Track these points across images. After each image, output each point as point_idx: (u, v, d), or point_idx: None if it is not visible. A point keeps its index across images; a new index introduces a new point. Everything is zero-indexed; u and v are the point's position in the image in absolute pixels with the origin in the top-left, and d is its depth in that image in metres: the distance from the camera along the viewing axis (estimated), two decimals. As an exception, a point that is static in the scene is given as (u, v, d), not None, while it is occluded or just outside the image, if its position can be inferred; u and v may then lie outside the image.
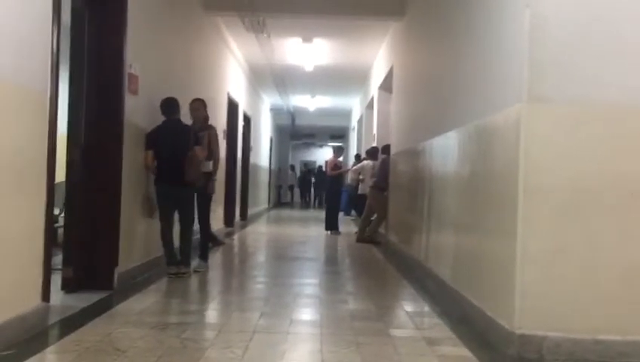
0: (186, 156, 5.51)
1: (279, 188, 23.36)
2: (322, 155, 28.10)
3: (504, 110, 3.60)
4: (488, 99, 3.96)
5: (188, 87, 7.07)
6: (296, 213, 18.75)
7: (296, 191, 24.05)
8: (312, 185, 23.04)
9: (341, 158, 12.04)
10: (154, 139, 5.47)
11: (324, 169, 24.43)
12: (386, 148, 9.20)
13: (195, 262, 6.08)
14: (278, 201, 23.04)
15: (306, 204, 22.55)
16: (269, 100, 17.79)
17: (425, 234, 5.96)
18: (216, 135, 6.19)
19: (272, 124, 20.55)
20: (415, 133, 6.87)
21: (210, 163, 6.05)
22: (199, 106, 6.05)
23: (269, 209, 19.04)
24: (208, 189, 6.01)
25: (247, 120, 12.98)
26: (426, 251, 5.87)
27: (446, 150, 5.12)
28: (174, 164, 5.49)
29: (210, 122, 6.27)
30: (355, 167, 11.23)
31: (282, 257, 7.59)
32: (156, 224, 5.61)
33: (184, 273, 5.56)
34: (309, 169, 23.56)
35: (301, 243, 9.36)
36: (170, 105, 5.59)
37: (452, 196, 4.89)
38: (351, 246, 9.10)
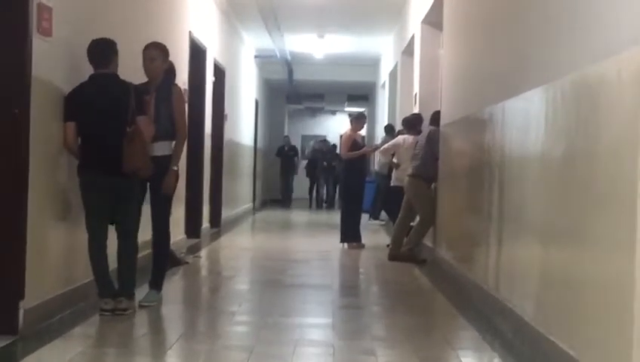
0: (125, 130, 5.51)
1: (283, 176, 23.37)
2: (336, 127, 28.11)
3: (617, 56, 3.58)
4: (592, 39, 3.93)
5: (128, 25, 7.07)
6: (297, 215, 18.78)
7: (298, 180, 23.98)
8: (316, 172, 22.85)
9: (363, 132, 12.02)
10: (76, 105, 5.47)
11: (337, 149, 24.23)
12: (436, 117, 9.19)
13: (141, 293, 6.11)
14: (286, 196, 23.05)
15: (287, 200, 22.48)
16: (253, 43, 17.76)
17: (494, 248, 5.96)
18: (180, 99, 6.15)
19: (259, 79, 20.54)
20: (478, 93, 6.84)
21: (167, 144, 6.04)
22: (155, 55, 6.02)
23: (254, 210, 19.10)
24: (165, 185, 5.99)
25: (219, 74, 12.98)
26: (496, 274, 5.87)
27: (526, 118, 5.11)
28: (108, 142, 5.49)
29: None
30: (386, 146, 11.20)
31: (275, 284, 7.61)
32: (82, 235, 5.63)
33: (125, 309, 5.58)
34: (286, 148, 23.05)
35: (304, 263, 9.38)
36: (102, 51, 5.58)
37: (536, 189, 4.87)
38: (381, 267, 9.10)
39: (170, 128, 5.97)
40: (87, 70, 5.60)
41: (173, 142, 6.06)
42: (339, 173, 21.88)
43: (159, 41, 6.32)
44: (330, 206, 21.92)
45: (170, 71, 6.13)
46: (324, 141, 23.95)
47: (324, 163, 22.37)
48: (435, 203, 9.11)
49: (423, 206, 9.26)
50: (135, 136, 5.53)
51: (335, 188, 22.48)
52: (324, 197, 22.65)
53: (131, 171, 5.54)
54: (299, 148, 26.65)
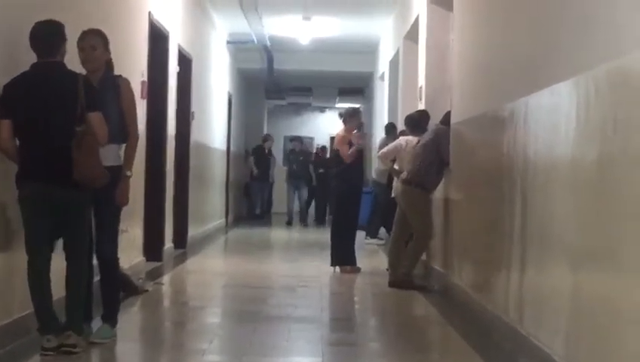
0: (75, 133, 5.50)
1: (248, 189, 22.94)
2: (325, 127, 28.10)
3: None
4: (635, 21, 3.95)
5: (74, 6, 7.07)
6: (279, 233, 18.74)
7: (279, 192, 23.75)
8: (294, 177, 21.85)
9: (358, 131, 11.91)
10: (13, 99, 5.47)
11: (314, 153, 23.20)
12: (448, 118, 9.20)
13: (92, 327, 6.09)
14: (250, 212, 22.52)
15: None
16: (225, 27, 17.75)
17: (516, 272, 5.97)
18: (130, 92, 6.20)
19: (233, 69, 20.53)
20: (497, 86, 6.85)
21: (116, 149, 6.06)
22: (96, 43, 6.05)
23: (227, 227, 19.09)
24: (118, 196, 6.03)
25: (185, 63, 12.97)
26: (519, 303, 5.88)
27: (554, 116, 5.12)
28: (54, 144, 5.49)
29: (116, 70, 6.27)
30: (385, 149, 11.21)
31: (253, 316, 7.59)
32: (20, 259, 5.61)
33: (72, 346, 5.55)
34: (267, 149, 22.02)
35: (287, 291, 9.38)
36: (48, 36, 5.58)
37: (565, 201, 4.89)
38: (380, 295, 9.11)
39: (118, 129, 5.98)
40: (25, 59, 5.59)
41: (123, 147, 6.08)
42: (317, 183, 21.62)
43: (113, 24, 6.32)
44: (302, 222, 21.15)
45: (110, 63, 6.15)
46: (297, 140, 23.15)
47: (294, 167, 21.49)
48: (429, 213, 9.14)
49: (421, 219, 9.23)
50: (86, 139, 5.52)
51: (309, 201, 21.84)
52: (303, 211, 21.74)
53: (86, 181, 5.54)
54: (280, 151, 26.54)
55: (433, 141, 9.19)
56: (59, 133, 5.51)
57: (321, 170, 21.51)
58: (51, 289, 5.59)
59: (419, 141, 9.56)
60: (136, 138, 6.20)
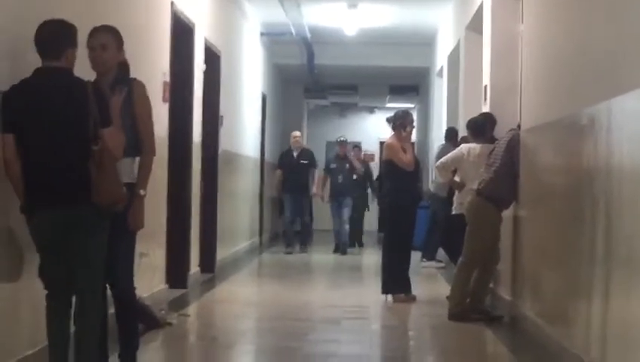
0: (89, 149, 5.51)
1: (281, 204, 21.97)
2: (374, 130, 28.07)
3: None
4: None
5: (89, 1, 7.13)
6: (320, 256, 18.68)
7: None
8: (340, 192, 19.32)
9: (413, 136, 11.80)
10: (15, 110, 5.50)
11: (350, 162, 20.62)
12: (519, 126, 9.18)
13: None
14: (288, 231, 20.47)
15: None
16: (259, 17, 17.79)
17: (598, 303, 5.93)
18: (145, 99, 6.19)
19: (267, 66, 20.55)
20: (574, 87, 6.82)
21: (130, 163, 6.04)
22: (108, 42, 6.06)
23: (261, 247, 19.07)
24: (133, 217, 6.01)
25: (213, 60, 13.01)
26: (602, 340, 5.84)
27: (642, 123, 5.11)
28: (66, 165, 5.52)
29: (134, 68, 6.28)
30: (444, 159, 11.16)
31: (292, 354, 7.61)
32: (26, 290, 5.67)
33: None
34: (295, 153, 18.19)
35: (331, 324, 9.38)
36: (54, 36, 5.62)
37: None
38: (439, 329, 9.08)
39: (132, 140, 5.97)
40: (28, 62, 5.63)
41: (137, 160, 6.08)
42: (363, 196, 20.36)
43: (130, 16, 6.32)
44: (342, 251, 18.42)
45: (125, 65, 6.16)
46: (343, 143, 19.60)
47: (339, 179, 18.77)
48: (498, 234, 9.14)
49: (480, 238, 9.14)
50: (105, 156, 5.53)
51: (352, 219, 19.09)
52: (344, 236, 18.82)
53: (107, 205, 5.58)
54: (322, 158, 25.83)
55: (507, 150, 9.09)
56: (71, 151, 5.53)
57: (355, 177, 19.06)
58: (69, 328, 5.63)
59: (493, 148, 9.47)
60: (153, 152, 6.17)
